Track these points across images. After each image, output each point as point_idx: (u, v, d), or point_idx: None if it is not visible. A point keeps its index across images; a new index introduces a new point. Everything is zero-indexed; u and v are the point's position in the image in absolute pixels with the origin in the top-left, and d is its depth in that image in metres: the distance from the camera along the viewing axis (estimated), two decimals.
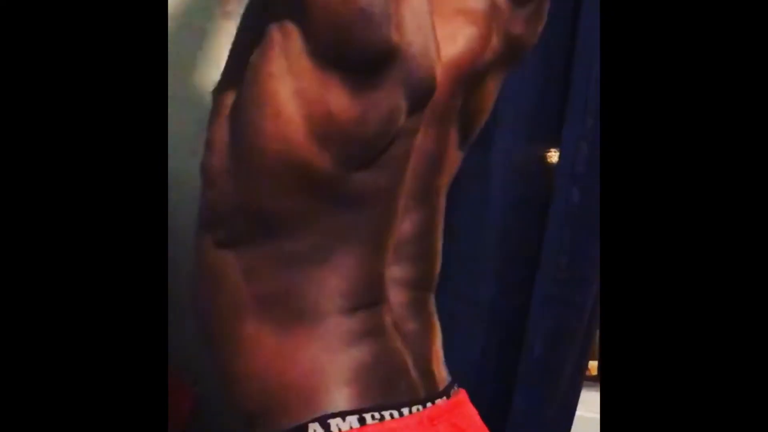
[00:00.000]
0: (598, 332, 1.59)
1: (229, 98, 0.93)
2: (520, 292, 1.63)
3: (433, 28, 0.95)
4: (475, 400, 1.06)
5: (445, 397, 1.00)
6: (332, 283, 0.94)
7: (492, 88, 1.07)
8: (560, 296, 1.60)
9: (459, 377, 1.07)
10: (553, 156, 1.61)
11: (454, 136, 1.04)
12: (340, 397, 0.92)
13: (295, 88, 0.88)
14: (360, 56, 0.88)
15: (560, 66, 1.60)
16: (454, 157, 1.06)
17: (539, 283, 1.61)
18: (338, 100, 0.88)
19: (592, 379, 2.01)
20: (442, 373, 1.03)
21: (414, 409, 0.95)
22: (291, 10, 0.88)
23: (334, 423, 0.91)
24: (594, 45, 1.52)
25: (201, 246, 0.97)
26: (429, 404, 0.96)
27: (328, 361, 0.93)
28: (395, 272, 1.00)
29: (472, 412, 1.04)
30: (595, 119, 1.57)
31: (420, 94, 0.93)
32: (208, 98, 0.98)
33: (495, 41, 1.03)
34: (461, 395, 1.04)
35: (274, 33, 0.89)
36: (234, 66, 0.95)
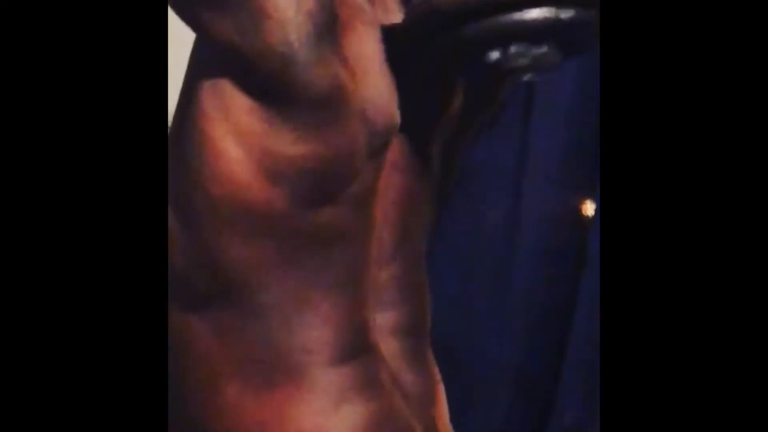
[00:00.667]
0: None
1: (173, 149, 0.88)
2: (550, 354, 1.53)
3: (387, 68, 0.89)
4: None
5: None
6: (315, 332, 0.85)
7: (461, 138, 0.99)
8: (595, 360, 1.50)
9: None
10: (589, 207, 1.53)
11: (425, 183, 0.96)
12: None
13: (231, 128, 0.82)
14: (300, 98, 0.81)
15: (597, 110, 1.49)
16: (429, 209, 0.98)
17: (572, 345, 1.51)
18: (283, 137, 0.82)
19: None
20: None
21: None
22: (220, 59, 0.82)
23: None
24: None
25: None
26: None
27: (322, 424, 0.84)
28: (380, 320, 0.91)
29: None
30: None
31: (380, 134, 0.86)
32: None
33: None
34: None
35: (206, 77, 0.83)
36: (176, 116, 0.90)
